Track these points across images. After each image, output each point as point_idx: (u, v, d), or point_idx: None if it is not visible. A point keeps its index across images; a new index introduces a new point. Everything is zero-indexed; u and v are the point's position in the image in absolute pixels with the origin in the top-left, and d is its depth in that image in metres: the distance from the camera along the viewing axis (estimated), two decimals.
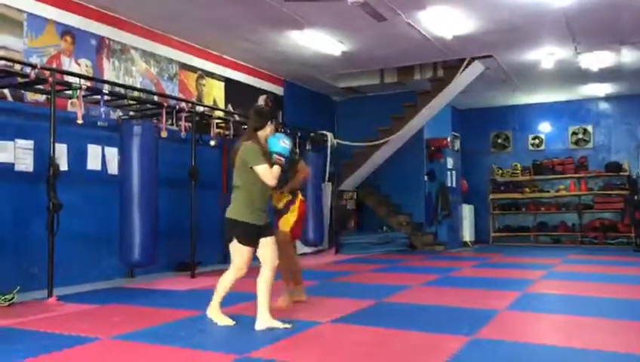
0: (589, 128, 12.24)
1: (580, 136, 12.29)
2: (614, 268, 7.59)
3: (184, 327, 3.93)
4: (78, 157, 6.14)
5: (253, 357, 3.16)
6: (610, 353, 3.28)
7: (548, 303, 5.16)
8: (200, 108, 7.41)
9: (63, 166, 5.72)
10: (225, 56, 8.61)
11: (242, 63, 8.99)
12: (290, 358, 3.17)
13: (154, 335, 3.70)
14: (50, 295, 5.09)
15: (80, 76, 5.76)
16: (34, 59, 5.65)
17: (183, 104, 6.91)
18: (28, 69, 5.24)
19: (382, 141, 10.25)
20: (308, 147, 9.18)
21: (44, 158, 5.41)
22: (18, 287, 4.98)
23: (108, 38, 6.73)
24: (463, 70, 9.22)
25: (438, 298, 5.21)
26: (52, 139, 5.24)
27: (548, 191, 12.34)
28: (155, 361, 3.19)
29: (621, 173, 11.64)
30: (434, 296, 5.39)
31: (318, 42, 7.86)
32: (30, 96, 5.76)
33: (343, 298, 5.22)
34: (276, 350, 3.33)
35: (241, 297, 4.64)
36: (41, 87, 5.48)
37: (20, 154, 5.55)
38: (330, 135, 9.75)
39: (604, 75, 9.97)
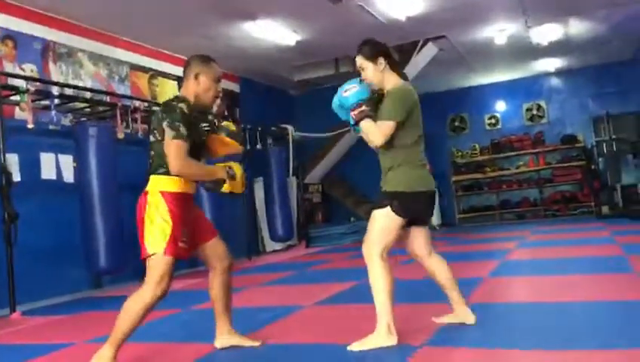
0: (543, 104, 12.46)
1: (535, 112, 12.51)
2: (581, 234, 7.73)
3: (164, 324, 3.74)
4: (30, 167, 5.79)
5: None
6: (601, 302, 3.28)
7: (529, 267, 5.17)
8: (156, 108, 7.15)
9: (16, 177, 5.38)
10: (177, 55, 8.36)
11: None
12: (279, 341, 3.03)
13: (133, 334, 3.48)
14: (12, 311, 4.79)
15: (27, 78, 5.46)
16: None
17: (138, 103, 6.67)
18: None
19: (343, 130, 10.16)
20: (270, 141, 9.06)
21: None
22: None
23: (53, 42, 6.41)
24: (418, 52, 9.22)
25: (419, 273, 5.12)
26: (2, 147, 4.95)
27: (508, 169, 12.50)
28: (138, 357, 3.00)
29: (577, 145, 11.89)
30: (414, 272, 5.27)
31: (272, 33, 7.71)
32: None
33: (323, 283, 5.11)
34: (263, 334, 3.18)
35: None
36: None
37: None
38: (291, 128, 9.61)
39: (553, 49, 10.14)
